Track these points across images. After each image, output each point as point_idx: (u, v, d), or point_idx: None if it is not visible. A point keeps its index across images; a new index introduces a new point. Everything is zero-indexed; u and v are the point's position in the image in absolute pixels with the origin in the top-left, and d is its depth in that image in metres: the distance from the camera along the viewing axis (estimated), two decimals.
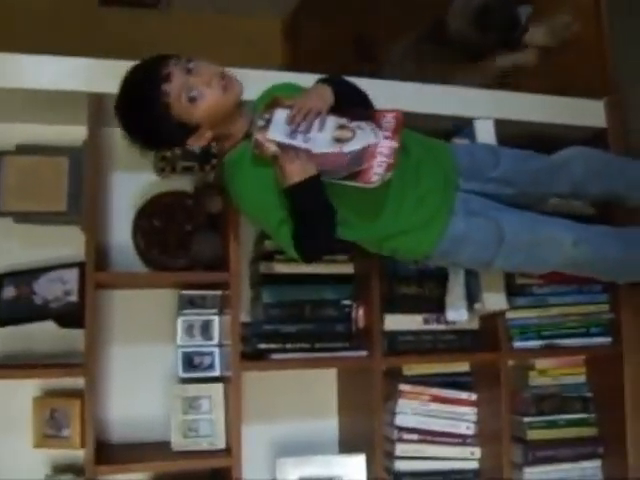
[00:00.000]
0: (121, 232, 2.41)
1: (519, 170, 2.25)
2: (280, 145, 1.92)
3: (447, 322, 2.48)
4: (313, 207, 1.97)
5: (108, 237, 2.41)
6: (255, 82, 2.23)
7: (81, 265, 2.21)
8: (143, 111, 1.97)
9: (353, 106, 2.03)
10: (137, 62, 2.01)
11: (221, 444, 2.26)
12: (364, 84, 2.13)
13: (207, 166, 2.38)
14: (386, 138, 1.94)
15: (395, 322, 2.44)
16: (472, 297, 2.42)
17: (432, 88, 2.48)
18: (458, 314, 2.44)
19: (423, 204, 2.08)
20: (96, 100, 2.20)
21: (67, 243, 2.34)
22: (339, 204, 2.00)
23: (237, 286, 2.23)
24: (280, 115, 1.96)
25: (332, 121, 1.97)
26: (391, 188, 2.01)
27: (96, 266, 2.13)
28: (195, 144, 2.06)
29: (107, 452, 2.23)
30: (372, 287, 2.37)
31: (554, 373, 2.68)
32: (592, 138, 2.64)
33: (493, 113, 2.47)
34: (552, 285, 2.57)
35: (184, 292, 2.34)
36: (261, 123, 1.96)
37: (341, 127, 1.97)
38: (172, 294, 2.44)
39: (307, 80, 2.14)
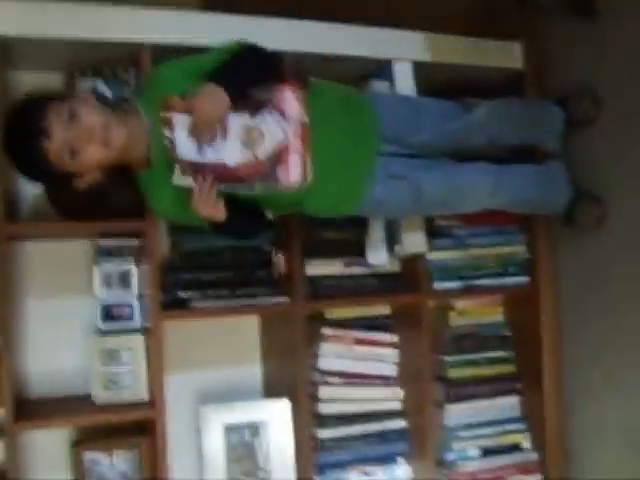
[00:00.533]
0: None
1: (438, 135, 2.25)
2: (194, 165, 1.88)
3: (368, 265, 2.49)
4: (232, 231, 2.08)
5: (18, 186, 2.33)
6: (170, 25, 2.18)
7: None
8: (23, 163, 1.92)
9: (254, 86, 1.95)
10: (20, 100, 1.95)
11: (144, 395, 2.23)
12: (276, 25, 2.09)
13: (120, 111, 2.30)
14: (292, 125, 1.91)
15: (316, 267, 2.43)
16: (392, 240, 2.42)
17: (347, 28, 2.41)
18: (378, 257, 2.44)
19: (343, 174, 2.07)
20: (1, 42, 2.07)
21: None
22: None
23: (154, 234, 2.17)
24: (180, 130, 1.87)
25: (235, 123, 1.90)
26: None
27: (7, 217, 2.06)
28: (82, 185, 1.98)
29: (27, 408, 2.17)
30: (293, 233, 2.35)
31: (473, 313, 2.73)
32: (509, 81, 2.66)
33: (411, 55, 2.44)
34: (471, 227, 2.60)
35: (100, 242, 2.28)
36: (167, 143, 1.89)
37: (246, 129, 1.90)
38: (87, 244, 2.38)
39: (225, 23, 2.10)
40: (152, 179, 2.01)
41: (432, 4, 2.65)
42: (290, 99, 1.92)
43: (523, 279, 2.67)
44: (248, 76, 1.94)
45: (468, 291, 2.61)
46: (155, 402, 2.16)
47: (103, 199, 2.14)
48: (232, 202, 1.95)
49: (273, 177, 1.90)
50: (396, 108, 2.22)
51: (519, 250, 2.68)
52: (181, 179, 1.90)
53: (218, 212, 1.92)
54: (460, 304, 2.70)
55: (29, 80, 2.36)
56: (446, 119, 2.26)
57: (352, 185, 2.09)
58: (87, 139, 1.88)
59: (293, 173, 1.91)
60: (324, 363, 2.48)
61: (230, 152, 1.89)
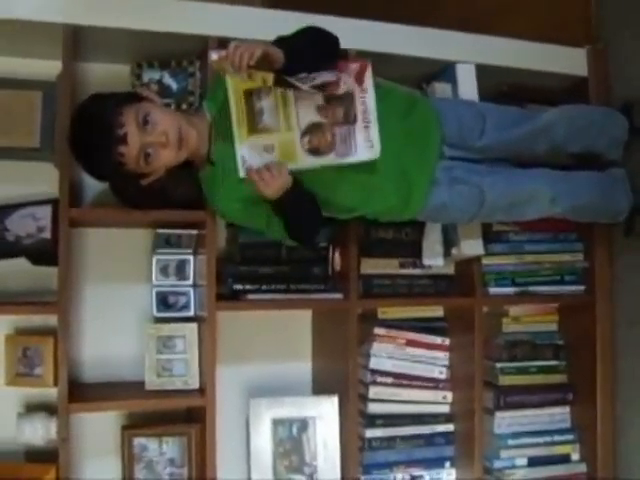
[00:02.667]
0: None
1: (502, 140, 2.24)
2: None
3: (423, 267, 2.47)
4: (296, 213, 2.03)
5: (82, 174, 2.36)
6: (234, 19, 2.21)
7: (54, 202, 2.17)
8: (96, 166, 1.97)
9: (315, 61, 1.94)
10: (91, 101, 1.98)
11: (195, 384, 2.25)
12: (340, 23, 2.10)
13: (184, 104, 2.32)
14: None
15: (371, 265, 2.42)
16: (449, 242, 2.41)
17: (411, 29, 2.42)
18: (434, 259, 2.43)
19: (406, 177, 2.07)
20: (71, 32, 2.13)
21: (40, 180, 2.28)
22: (325, 190, 2.05)
23: (213, 225, 2.19)
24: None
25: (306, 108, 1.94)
26: (375, 166, 2.00)
27: (70, 203, 2.09)
28: (147, 183, 2.03)
29: (80, 391, 2.20)
30: (349, 230, 2.34)
31: (527, 320, 2.69)
32: (573, 87, 2.63)
33: (474, 57, 2.43)
34: (528, 233, 2.57)
35: (159, 231, 2.31)
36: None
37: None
38: (147, 233, 2.41)
39: (289, 19, 2.13)
40: (213, 177, 2.06)
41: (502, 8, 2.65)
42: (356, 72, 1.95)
43: (579, 288, 2.62)
44: (314, 43, 1.95)
45: (522, 297, 2.57)
46: (206, 391, 2.18)
47: (165, 193, 2.17)
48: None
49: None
50: (460, 112, 2.21)
51: (576, 258, 2.63)
52: (244, 143, 1.94)
53: (285, 179, 1.92)
54: (514, 310, 2.66)
55: (97, 71, 2.41)
56: (509, 125, 2.24)
57: (415, 189, 2.09)
58: (162, 144, 1.94)
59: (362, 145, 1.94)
60: (375, 362, 2.46)
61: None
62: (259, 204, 2.00)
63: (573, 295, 2.63)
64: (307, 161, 1.95)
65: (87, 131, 1.91)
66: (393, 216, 2.18)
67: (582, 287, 2.62)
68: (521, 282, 2.56)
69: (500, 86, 2.48)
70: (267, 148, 1.94)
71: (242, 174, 1.94)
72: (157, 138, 1.93)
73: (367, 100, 1.93)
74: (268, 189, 1.91)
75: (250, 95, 1.93)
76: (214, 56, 1.87)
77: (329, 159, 1.95)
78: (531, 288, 2.57)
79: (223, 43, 2.09)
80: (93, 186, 2.34)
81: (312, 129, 1.94)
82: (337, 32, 1.97)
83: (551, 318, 2.73)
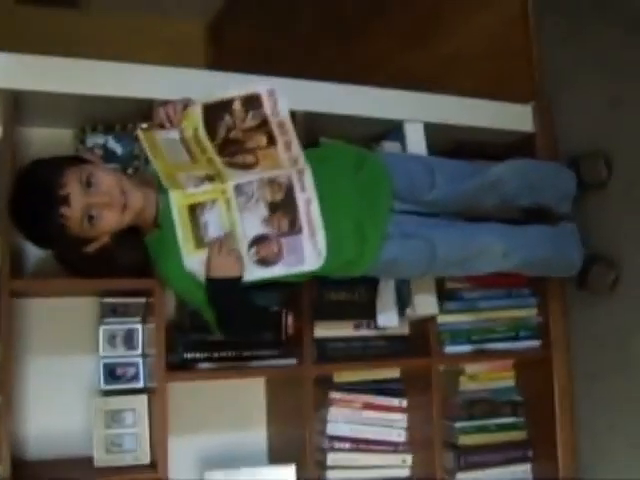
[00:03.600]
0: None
1: (452, 193, 2.22)
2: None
3: (378, 327, 2.42)
4: (229, 306, 1.96)
5: (24, 243, 2.27)
6: (178, 81, 2.17)
7: None
8: (37, 230, 1.90)
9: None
10: (32, 165, 1.92)
11: (146, 459, 2.15)
12: (287, 84, 2.08)
13: (130, 168, 2.26)
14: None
15: (325, 329, 2.36)
16: (403, 302, 2.36)
17: (357, 89, 2.41)
18: (389, 319, 2.38)
19: (357, 233, 2.02)
20: (12, 97, 2.06)
21: None
22: None
23: (161, 292, 2.11)
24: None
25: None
26: (330, 224, 1.96)
27: (11, 273, 1.99)
28: (91, 250, 1.96)
29: (23, 470, 2.07)
30: (301, 294, 2.28)
31: (484, 378, 2.65)
32: (520, 142, 2.64)
33: (421, 116, 2.42)
34: (481, 289, 2.55)
35: (105, 300, 2.22)
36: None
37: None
38: (93, 302, 2.31)
39: (230, 80, 2.10)
40: (161, 241, 1.99)
41: (445, 66, 2.66)
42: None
43: (535, 343, 2.60)
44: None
45: (479, 355, 2.54)
46: (157, 466, 2.07)
47: (110, 259, 2.09)
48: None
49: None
50: (409, 166, 2.19)
51: (531, 313, 2.61)
52: (193, 257, 1.92)
53: (236, 265, 1.90)
54: (470, 368, 2.62)
55: (39, 136, 2.33)
56: (460, 178, 2.22)
57: (368, 243, 2.03)
58: (106, 205, 1.87)
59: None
60: (332, 428, 2.39)
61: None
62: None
63: (529, 350, 2.60)
64: (255, 273, 1.94)
65: (28, 195, 1.85)
66: (345, 271, 2.12)
67: (538, 342, 2.61)
68: (477, 339, 2.53)
69: (448, 143, 2.47)
70: None
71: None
72: (101, 199, 1.86)
73: (311, 208, 1.91)
74: (216, 259, 1.89)
75: (194, 210, 1.94)
76: (143, 126, 1.87)
77: (276, 270, 1.94)
78: (487, 345, 2.54)
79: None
80: (35, 254, 2.25)
81: (259, 241, 1.93)
82: (283, 92, 1.94)
83: (508, 374, 2.70)
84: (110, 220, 1.89)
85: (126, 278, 2.12)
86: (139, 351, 2.22)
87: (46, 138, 2.34)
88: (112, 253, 2.08)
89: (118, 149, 2.25)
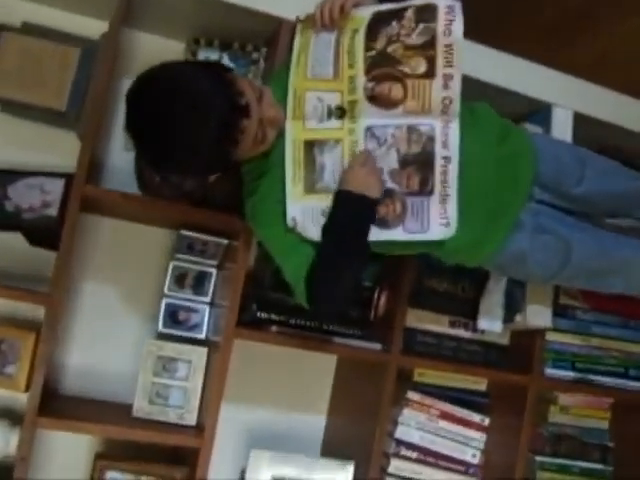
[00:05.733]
0: (121, 152, 1.95)
1: (602, 191, 1.78)
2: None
3: (476, 330, 2.03)
4: (351, 238, 1.51)
5: (107, 153, 1.95)
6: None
7: (69, 177, 1.75)
8: (190, 146, 1.42)
9: None
10: (170, 64, 1.47)
11: (192, 420, 1.79)
12: None
13: None
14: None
15: (419, 318, 1.99)
16: (512, 307, 1.96)
17: (513, 60, 2.00)
18: (492, 323, 1.98)
19: (488, 213, 1.62)
20: None
21: (59, 149, 1.88)
22: None
23: (248, 238, 1.76)
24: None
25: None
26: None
27: (86, 180, 1.67)
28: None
29: (55, 403, 1.76)
30: (401, 272, 1.91)
31: (576, 412, 2.22)
32: None
33: (573, 103, 2.02)
34: (597, 312, 2.13)
35: (183, 232, 1.86)
36: None
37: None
38: (169, 234, 1.99)
39: None
40: (262, 175, 1.59)
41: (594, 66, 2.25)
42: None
43: None
44: None
45: (580, 385, 2.11)
46: (204, 431, 1.72)
47: (205, 189, 1.75)
48: None
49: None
50: (560, 153, 1.77)
51: None
52: (298, 203, 1.52)
53: (377, 184, 1.50)
54: (564, 398, 2.20)
55: (147, 42, 2.01)
56: (612, 177, 1.80)
57: (496, 228, 1.63)
58: (274, 121, 1.51)
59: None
60: (402, 432, 2.00)
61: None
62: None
63: (635, 393, 2.17)
64: (370, 233, 1.52)
65: (179, 103, 1.39)
66: (463, 256, 1.72)
67: None
68: (581, 367, 2.11)
69: (592, 143, 2.06)
70: (326, 212, 1.50)
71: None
72: (273, 113, 1.49)
73: (450, 168, 1.49)
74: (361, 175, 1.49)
75: (311, 147, 1.52)
76: (301, 17, 1.53)
77: (395, 234, 1.51)
78: (590, 376, 2.12)
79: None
80: (117, 169, 1.94)
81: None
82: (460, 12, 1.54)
83: (604, 415, 2.25)
84: (272, 139, 1.53)
85: (213, 212, 1.77)
86: (208, 298, 1.87)
87: (155, 46, 2.01)
88: (206, 181, 1.74)
89: None
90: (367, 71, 1.49)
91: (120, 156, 1.94)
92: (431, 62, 1.46)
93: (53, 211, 1.76)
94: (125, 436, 1.73)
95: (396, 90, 1.49)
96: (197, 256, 1.88)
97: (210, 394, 1.76)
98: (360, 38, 1.48)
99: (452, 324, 2.04)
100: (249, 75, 1.88)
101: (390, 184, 1.51)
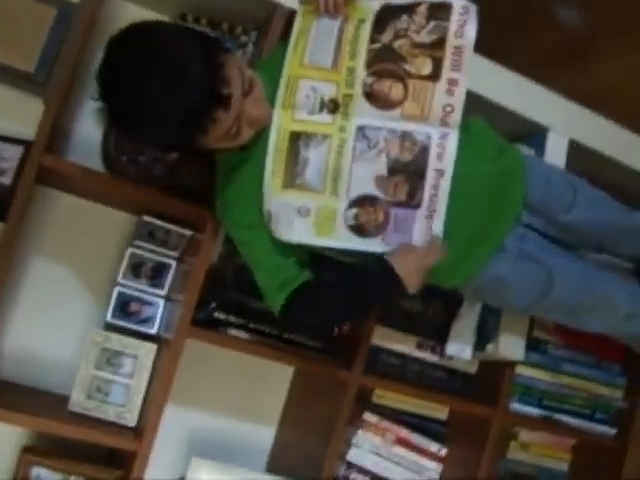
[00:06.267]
0: (89, 124, 1.78)
1: (591, 222, 1.66)
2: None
3: (443, 355, 1.91)
4: (363, 301, 1.47)
5: (73, 123, 1.79)
6: None
7: (29, 145, 1.58)
8: (156, 126, 1.28)
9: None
10: (158, 24, 1.36)
11: (132, 420, 1.63)
12: None
13: None
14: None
15: (384, 337, 1.86)
16: (485, 335, 1.83)
17: (513, 78, 1.87)
18: (461, 350, 1.85)
19: (472, 234, 1.51)
20: None
21: (22, 114, 1.72)
22: None
23: (214, 231, 1.61)
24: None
25: None
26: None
27: (46, 148, 1.52)
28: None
29: None
30: None
31: (536, 450, 2.12)
32: None
33: (570, 129, 1.90)
34: (570, 349, 2.01)
35: (146, 218, 1.71)
36: None
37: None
38: (130, 219, 1.83)
39: None
40: (238, 166, 1.46)
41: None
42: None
43: (609, 430, 2.05)
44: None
45: (545, 424, 2.00)
46: (144, 433, 1.57)
47: (169, 158, 1.60)
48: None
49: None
50: (552, 176, 1.65)
51: (615, 395, 2.06)
52: (274, 197, 1.40)
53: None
54: (526, 435, 2.09)
55: (130, 14, 1.85)
56: (602, 208, 1.69)
57: (478, 249, 1.52)
58: (255, 120, 1.36)
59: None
60: (355, 455, 1.86)
61: None
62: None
63: (600, 437, 2.05)
64: (345, 239, 1.40)
65: (161, 74, 1.25)
66: (436, 279, 1.57)
67: (613, 430, 2.05)
68: (548, 405, 1.99)
69: (585, 174, 1.94)
70: (301, 210, 1.38)
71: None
72: (257, 111, 1.35)
73: (441, 182, 1.38)
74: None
75: (297, 139, 1.39)
76: None
77: (373, 244, 1.40)
78: (557, 415, 2.01)
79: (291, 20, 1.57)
80: (81, 142, 1.78)
81: (363, 202, 1.39)
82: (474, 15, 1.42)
83: (564, 456, 2.15)
84: (246, 137, 1.38)
85: (181, 200, 1.62)
86: (164, 291, 1.73)
87: (138, 17, 1.82)
88: (176, 167, 1.60)
89: None
90: (368, 64, 1.36)
91: (87, 129, 1.77)
92: (437, 64, 1.35)
93: (6, 180, 1.62)
94: (55, 431, 1.55)
95: (396, 90, 1.36)
96: (158, 245, 1.73)
97: (154, 395, 1.60)
98: (366, 29, 1.35)
99: (419, 346, 1.91)
100: None
101: (375, 191, 1.38)
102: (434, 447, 1.94)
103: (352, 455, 1.87)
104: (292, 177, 1.39)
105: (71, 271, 1.82)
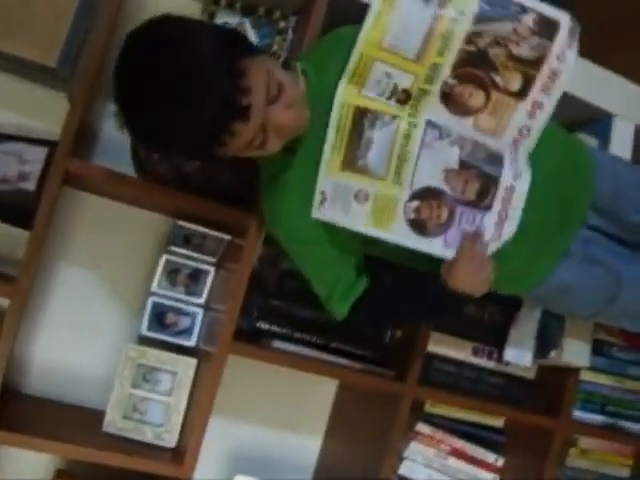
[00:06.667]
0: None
1: None
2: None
3: (500, 360, 1.76)
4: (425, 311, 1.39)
5: (100, 121, 1.66)
6: None
7: (53, 146, 1.45)
8: (170, 136, 1.13)
9: None
10: (178, 25, 1.16)
11: (171, 441, 1.51)
12: None
13: None
14: None
15: (440, 342, 1.72)
16: (547, 341, 1.69)
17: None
18: (520, 356, 1.71)
19: (539, 238, 1.36)
20: None
21: (45, 112, 1.60)
22: None
23: (257, 235, 1.47)
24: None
25: None
26: None
27: (73, 151, 1.39)
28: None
29: (14, 405, 1.48)
30: None
31: (597, 457, 1.97)
32: None
33: (637, 116, 1.76)
34: (634, 351, 1.87)
35: (182, 223, 1.58)
36: None
37: None
38: (165, 222, 1.70)
39: None
40: (285, 169, 1.31)
41: None
42: None
43: None
44: None
45: (608, 432, 1.85)
46: (185, 456, 1.44)
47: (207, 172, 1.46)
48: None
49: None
50: (618, 171, 1.49)
51: None
52: (331, 178, 1.24)
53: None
54: (585, 441, 1.95)
55: (160, 1, 1.71)
56: None
57: (543, 255, 1.37)
58: (285, 131, 1.20)
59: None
60: (407, 468, 1.72)
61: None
62: (348, 247, 1.32)
63: None
64: (402, 235, 1.24)
65: (176, 81, 1.10)
66: (497, 286, 1.44)
67: None
68: (611, 411, 1.85)
69: None
70: (359, 195, 1.23)
71: (314, 214, 1.25)
72: (287, 121, 1.18)
73: (519, 184, 1.24)
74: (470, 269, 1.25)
75: (362, 116, 1.22)
76: None
77: (432, 245, 1.25)
78: (621, 422, 1.87)
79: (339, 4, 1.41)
80: (110, 141, 1.64)
81: (426, 195, 1.23)
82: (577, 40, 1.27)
83: (624, 461, 2.00)
84: (276, 147, 1.22)
85: (216, 203, 1.49)
86: (203, 300, 1.59)
87: (167, 2, 1.68)
88: (212, 166, 1.46)
89: (253, 37, 1.60)
90: (456, 66, 1.19)
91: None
92: (528, 82, 1.19)
93: (31, 185, 1.47)
94: (90, 458, 1.43)
95: (476, 98, 1.20)
96: (194, 251, 1.59)
97: (195, 413, 1.47)
98: (463, 26, 1.18)
99: (475, 352, 1.77)
100: (273, 45, 1.60)
101: (442, 184, 1.23)
102: (491, 457, 1.79)
103: (404, 468, 1.72)
104: (353, 158, 1.22)
105: (102, 279, 1.70)
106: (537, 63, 1.18)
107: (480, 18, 1.17)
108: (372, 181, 1.23)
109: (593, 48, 1.79)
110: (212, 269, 1.60)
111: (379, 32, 1.19)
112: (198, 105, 1.09)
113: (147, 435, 1.51)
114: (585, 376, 1.81)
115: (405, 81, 1.20)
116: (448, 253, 1.25)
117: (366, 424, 1.72)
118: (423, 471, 1.76)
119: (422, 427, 1.75)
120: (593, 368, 1.81)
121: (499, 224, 1.24)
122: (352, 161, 1.22)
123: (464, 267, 1.23)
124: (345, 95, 1.21)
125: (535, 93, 1.20)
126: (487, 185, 1.22)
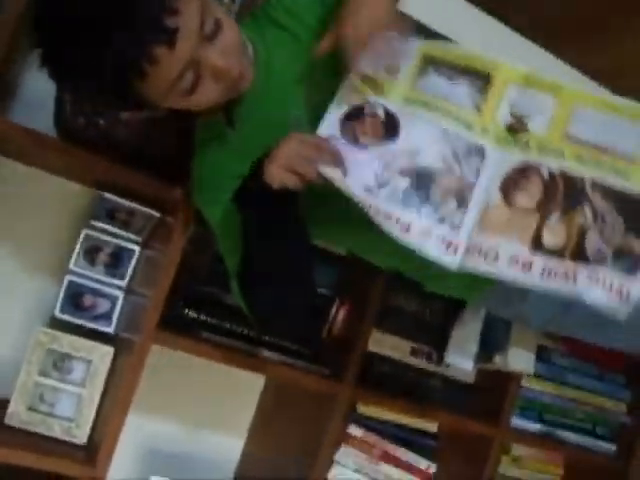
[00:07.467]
0: (41, 78, 1.47)
1: None
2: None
3: (440, 362, 1.66)
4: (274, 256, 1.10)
5: (20, 76, 1.47)
6: None
7: None
8: (86, 54, 0.96)
9: None
10: None
11: (82, 437, 1.35)
12: None
13: None
14: None
15: (379, 342, 1.60)
16: (491, 345, 1.59)
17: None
18: (462, 359, 1.60)
19: None
20: None
21: None
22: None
23: (188, 213, 1.31)
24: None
25: None
26: None
27: None
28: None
29: None
30: (367, 285, 1.52)
31: (529, 465, 1.89)
32: None
33: None
34: (574, 358, 1.80)
35: (108, 196, 1.41)
36: None
37: None
38: (87, 193, 1.52)
39: None
40: (221, 140, 1.17)
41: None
42: None
43: (609, 447, 1.84)
44: None
45: (545, 441, 1.77)
46: (98, 455, 1.28)
47: (136, 122, 1.30)
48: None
49: None
50: None
51: (618, 409, 1.85)
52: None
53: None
54: (518, 448, 1.87)
55: None
56: None
57: None
58: (221, 74, 1.03)
59: None
60: (338, 473, 1.58)
61: None
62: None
63: (599, 454, 1.83)
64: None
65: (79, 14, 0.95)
66: (447, 291, 1.34)
67: (613, 447, 1.85)
68: (549, 420, 1.78)
69: None
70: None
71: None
72: (223, 62, 1.02)
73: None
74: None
75: (427, 63, 1.05)
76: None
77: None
78: (558, 431, 1.79)
79: None
80: (31, 99, 1.46)
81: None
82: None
83: (555, 470, 1.94)
84: (211, 97, 1.06)
85: (147, 174, 1.33)
86: (124, 282, 1.43)
87: None
88: (145, 133, 1.30)
89: None
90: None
91: (38, 84, 1.44)
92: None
93: None
94: None
95: (529, 195, 1.01)
96: (118, 227, 1.43)
97: (111, 408, 1.31)
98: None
99: (414, 352, 1.65)
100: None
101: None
102: (423, 463, 1.67)
103: (334, 473, 1.59)
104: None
105: (12, 254, 1.51)
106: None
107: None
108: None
109: None
110: (137, 248, 1.43)
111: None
112: (120, 24, 0.93)
113: (55, 430, 1.34)
114: (525, 382, 1.73)
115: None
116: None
117: (296, 425, 1.58)
118: (353, 476, 1.64)
119: (355, 430, 1.62)
120: (535, 375, 1.74)
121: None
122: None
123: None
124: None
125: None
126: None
